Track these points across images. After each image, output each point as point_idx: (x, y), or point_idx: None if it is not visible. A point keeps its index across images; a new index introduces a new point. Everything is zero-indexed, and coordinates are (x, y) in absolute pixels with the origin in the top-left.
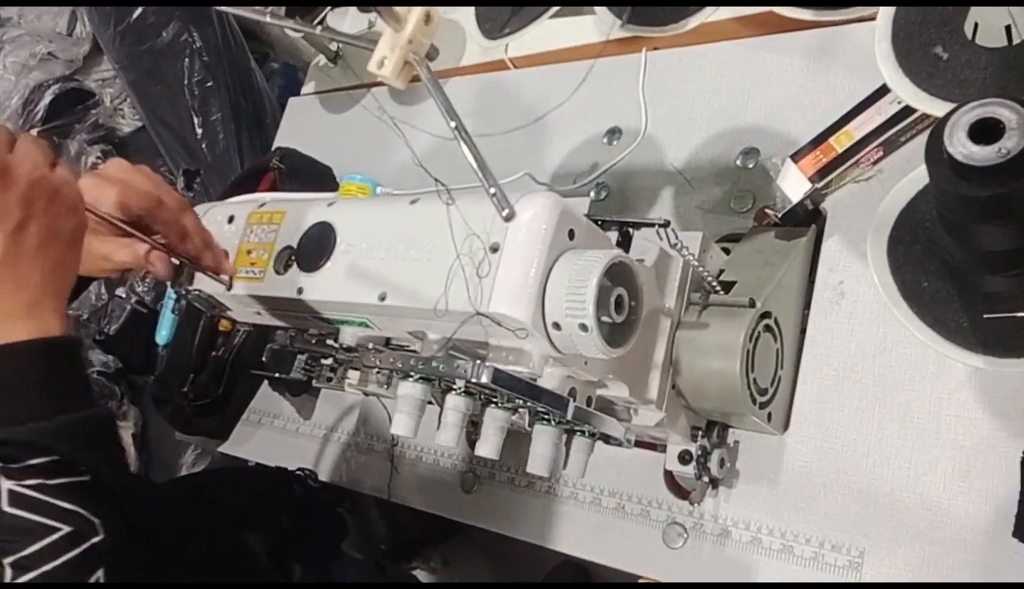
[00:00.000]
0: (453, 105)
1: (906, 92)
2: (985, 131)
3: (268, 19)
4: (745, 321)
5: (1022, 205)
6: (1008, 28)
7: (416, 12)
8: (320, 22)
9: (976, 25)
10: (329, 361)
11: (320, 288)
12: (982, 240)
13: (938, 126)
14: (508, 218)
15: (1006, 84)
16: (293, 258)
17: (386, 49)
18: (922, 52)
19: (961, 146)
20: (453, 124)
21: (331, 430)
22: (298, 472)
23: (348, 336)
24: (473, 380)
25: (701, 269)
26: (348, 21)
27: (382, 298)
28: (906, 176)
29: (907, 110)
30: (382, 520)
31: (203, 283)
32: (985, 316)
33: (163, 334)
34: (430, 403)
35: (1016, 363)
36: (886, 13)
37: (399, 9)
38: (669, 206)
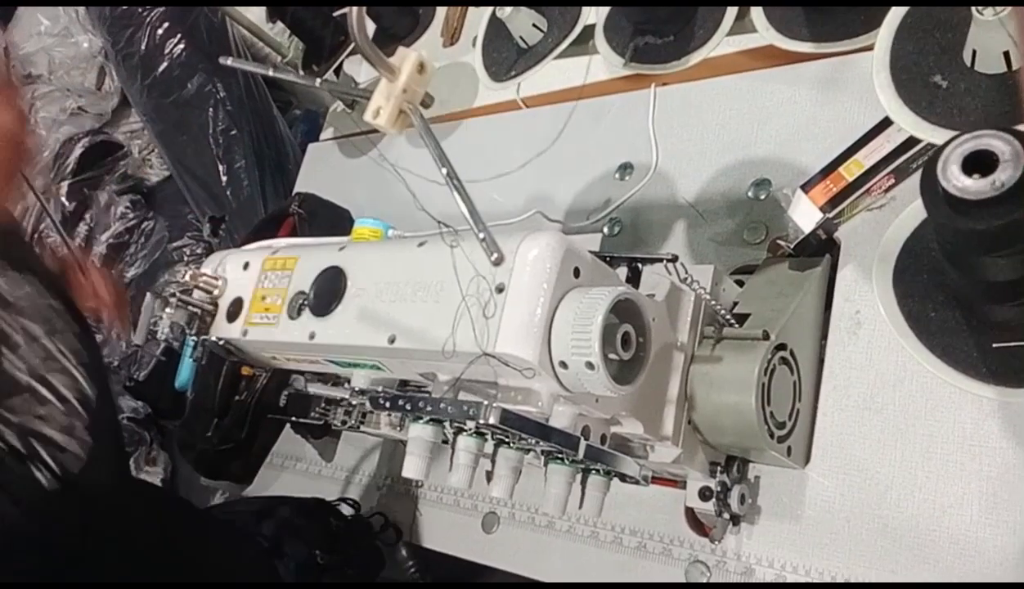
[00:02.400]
0: (466, 146)
1: (907, 121)
2: (979, 163)
3: (271, 73)
4: (759, 354)
5: (1022, 236)
6: (1007, 54)
7: (409, 62)
8: (337, 70)
9: (974, 52)
10: (344, 404)
11: (331, 332)
12: (985, 271)
13: (931, 160)
14: (497, 262)
15: (1007, 110)
16: (306, 303)
17: (381, 99)
18: (921, 81)
19: (955, 180)
20: (444, 171)
21: (353, 472)
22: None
23: (361, 379)
24: (481, 421)
25: (713, 302)
26: (364, 70)
27: (391, 341)
28: (909, 206)
29: (915, 138)
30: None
31: (220, 330)
32: (994, 345)
33: (182, 378)
34: (445, 442)
35: None
36: (884, 43)
37: (393, 59)
38: (682, 239)
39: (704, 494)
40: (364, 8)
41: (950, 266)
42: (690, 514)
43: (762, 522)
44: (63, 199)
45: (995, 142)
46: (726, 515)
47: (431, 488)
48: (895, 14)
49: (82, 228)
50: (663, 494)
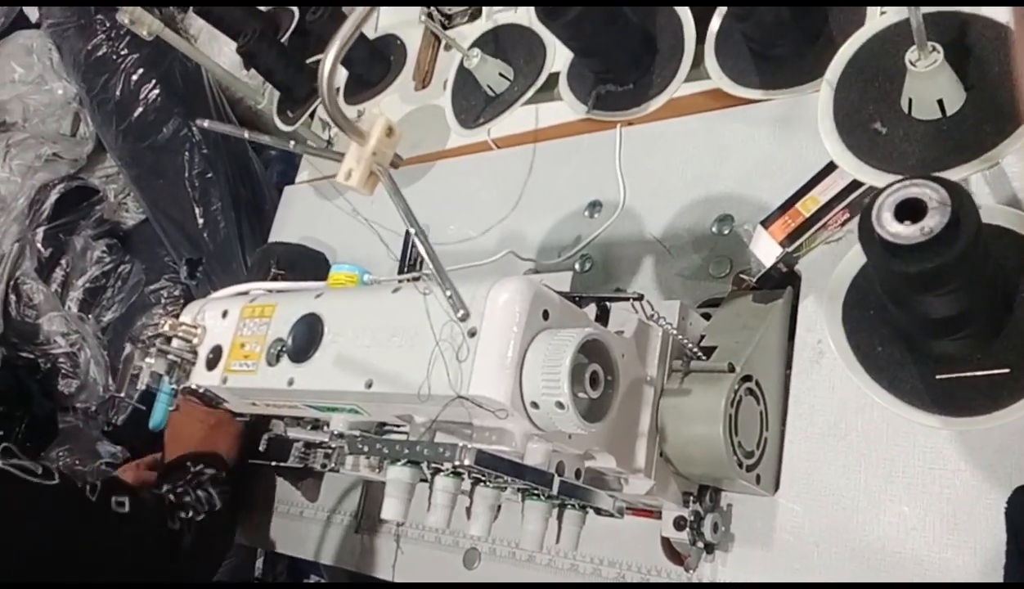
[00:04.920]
0: (440, 186)
1: (850, 165)
2: (910, 210)
3: (247, 136)
4: (726, 386)
5: (953, 276)
6: (940, 102)
7: (379, 127)
8: (312, 114)
9: (911, 100)
10: (324, 447)
11: (310, 378)
12: (921, 309)
13: (867, 207)
14: (463, 319)
15: (941, 154)
16: (284, 350)
17: (352, 162)
18: (862, 127)
19: (888, 226)
20: (413, 230)
21: (334, 512)
22: None
23: (339, 422)
24: (457, 463)
25: (680, 337)
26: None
27: (368, 385)
28: (855, 246)
29: None
30: None
31: (200, 378)
32: (938, 377)
33: (156, 419)
34: (423, 481)
35: (969, 421)
36: (827, 92)
37: (363, 124)
38: (650, 274)
39: (679, 524)
40: (334, 79)
41: (891, 304)
42: (666, 544)
43: (735, 549)
44: (39, 245)
45: (924, 190)
46: (700, 544)
47: (412, 526)
48: (837, 64)
49: (58, 273)
50: (640, 525)
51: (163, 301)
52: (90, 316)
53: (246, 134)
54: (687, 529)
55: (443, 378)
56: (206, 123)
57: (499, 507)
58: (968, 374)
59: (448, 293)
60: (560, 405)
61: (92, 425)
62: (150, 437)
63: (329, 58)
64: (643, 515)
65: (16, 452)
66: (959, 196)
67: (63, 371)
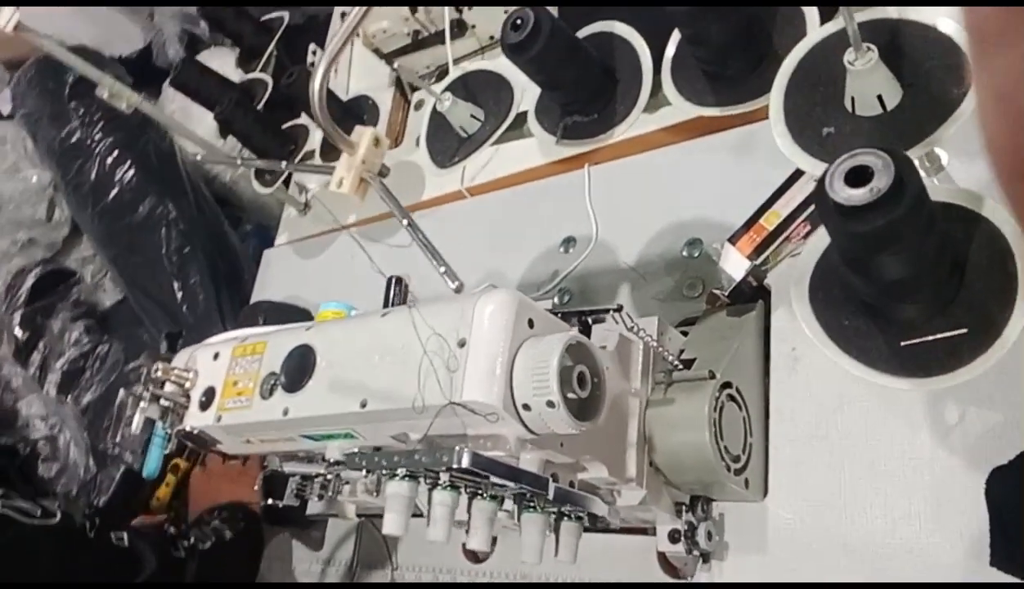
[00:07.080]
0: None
1: (803, 163)
2: (859, 176)
3: (239, 163)
4: (708, 392)
5: (903, 232)
6: (880, 98)
7: (366, 137)
8: (287, 181)
9: (853, 99)
10: (319, 479)
11: (304, 405)
12: (880, 271)
13: (822, 178)
14: (458, 290)
15: (885, 145)
16: (277, 383)
17: (343, 171)
18: (812, 128)
19: (840, 191)
20: (405, 221)
21: (328, 564)
22: None
23: (335, 450)
24: (454, 466)
25: (660, 348)
26: (314, 179)
27: (363, 405)
28: (817, 231)
29: None
30: None
31: (194, 420)
32: (902, 344)
33: (150, 467)
34: (418, 515)
35: (936, 380)
36: (777, 101)
37: (352, 136)
38: (628, 300)
39: (673, 536)
40: (324, 91)
41: (851, 273)
42: (663, 559)
43: (731, 557)
44: (16, 329)
45: (870, 158)
46: (696, 553)
47: (408, 568)
48: (783, 76)
49: (36, 357)
50: (637, 543)
51: (143, 378)
52: (69, 398)
53: (238, 161)
54: (682, 540)
55: (436, 389)
56: (199, 155)
57: (495, 539)
58: (930, 338)
59: (442, 269)
60: (551, 404)
61: (72, 509)
62: (138, 509)
63: (320, 68)
64: (637, 533)
65: (15, 495)
66: (901, 160)
67: (43, 455)
